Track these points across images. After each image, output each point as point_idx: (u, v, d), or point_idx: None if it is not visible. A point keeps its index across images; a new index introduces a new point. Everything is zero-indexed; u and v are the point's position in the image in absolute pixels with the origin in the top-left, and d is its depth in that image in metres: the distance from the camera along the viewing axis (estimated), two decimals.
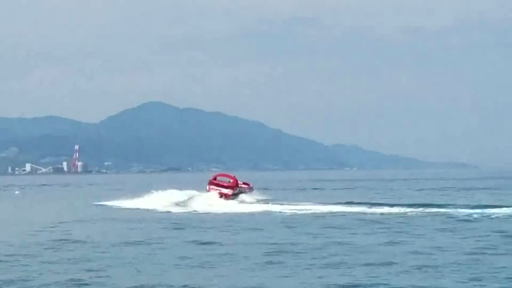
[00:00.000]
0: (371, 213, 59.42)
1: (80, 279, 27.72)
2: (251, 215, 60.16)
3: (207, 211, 64.80)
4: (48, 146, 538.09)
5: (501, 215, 56.00)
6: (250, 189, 78.40)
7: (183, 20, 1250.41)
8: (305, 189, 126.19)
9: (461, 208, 62.80)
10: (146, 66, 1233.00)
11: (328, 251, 35.09)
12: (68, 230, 47.22)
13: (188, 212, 64.43)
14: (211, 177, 78.17)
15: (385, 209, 62.96)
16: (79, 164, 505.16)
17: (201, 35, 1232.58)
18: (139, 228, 48.33)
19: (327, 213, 60.58)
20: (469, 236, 41.12)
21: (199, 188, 79.29)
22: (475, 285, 26.28)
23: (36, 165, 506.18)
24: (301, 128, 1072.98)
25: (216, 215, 61.03)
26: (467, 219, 52.77)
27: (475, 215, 55.91)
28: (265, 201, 74.77)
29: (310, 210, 63.77)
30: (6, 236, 44.43)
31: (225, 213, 61.69)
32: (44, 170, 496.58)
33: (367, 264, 30.57)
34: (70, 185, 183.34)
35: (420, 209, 61.95)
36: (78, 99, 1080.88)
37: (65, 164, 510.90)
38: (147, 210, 66.78)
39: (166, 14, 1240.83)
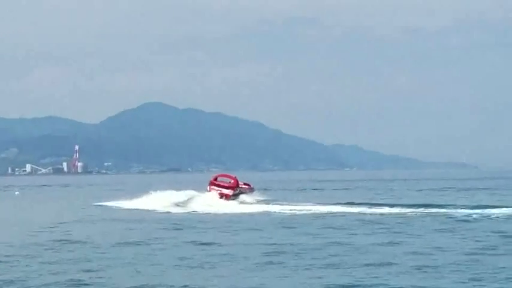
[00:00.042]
0: (370, 214, 59.42)
1: (79, 280, 27.72)
2: (251, 215, 60.15)
3: (206, 212, 64.81)
4: (48, 146, 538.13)
5: (500, 215, 55.94)
6: (251, 189, 78.38)
7: (183, 20, 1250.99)
8: (305, 189, 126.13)
9: (461, 208, 62.81)
10: (146, 66, 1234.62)
11: (327, 252, 35.07)
12: (67, 231, 47.22)
13: (188, 213, 64.41)
14: (212, 178, 78.17)
15: (385, 210, 62.99)
16: (79, 164, 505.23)
17: (201, 35, 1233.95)
18: (138, 229, 48.32)
19: (326, 213, 60.58)
20: (468, 237, 41.13)
21: (199, 188, 79.25)
22: (474, 286, 26.29)
23: (36, 165, 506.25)
24: (301, 128, 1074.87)
25: (215, 215, 61.03)
26: (466, 220, 52.78)
27: (474, 215, 55.94)
28: (265, 202, 74.75)
29: (310, 210, 63.83)
30: (5, 236, 44.44)
31: (225, 214, 61.68)
32: (44, 170, 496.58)
33: (366, 265, 30.55)
34: (70, 186, 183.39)
35: (419, 209, 61.94)
36: (78, 100, 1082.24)
37: (65, 164, 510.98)
38: (147, 210, 66.80)
39: (166, 14, 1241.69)
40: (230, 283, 27.23)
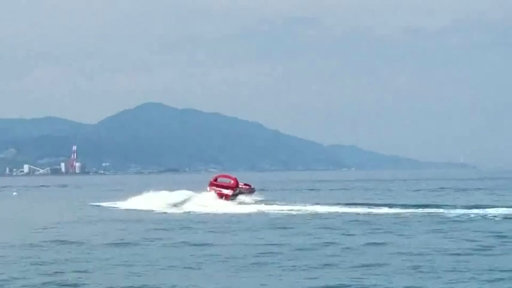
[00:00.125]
0: (368, 214, 59.30)
1: (72, 280, 27.64)
2: (248, 215, 60.10)
3: (202, 212, 64.77)
4: (47, 146, 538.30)
5: (494, 214, 55.84)
6: (251, 190, 78.29)
7: (183, 20, 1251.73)
8: (302, 190, 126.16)
9: (457, 208, 62.73)
10: (146, 66, 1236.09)
11: (321, 252, 34.96)
12: (63, 231, 47.19)
13: (184, 213, 64.36)
14: (211, 179, 78.23)
15: (381, 210, 62.93)
16: (77, 164, 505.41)
17: (200, 35, 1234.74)
18: (134, 229, 48.19)
19: (323, 214, 60.52)
20: (464, 237, 41.03)
21: (197, 188, 79.22)
22: (467, 286, 26.20)
23: (34, 166, 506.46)
24: (299, 129, 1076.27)
25: (211, 215, 60.94)
26: (462, 220, 52.70)
27: (471, 215, 55.88)
28: (263, 202, 74.66)
29: (306, 211, 63.78)
30: (1, 236, 44.32)
31: (221, 214, 61.62)
32: (41, 171, 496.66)
33: (359, 266, 30.44)
34: (67, 186, 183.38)
35: (416, 210, 61.84)
36: (77, 100, 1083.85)
37: (62, 165, 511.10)
38: (143, 211, 66.79)
39: (166, 14, 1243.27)
40: (221, 284, 27.13)
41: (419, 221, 51.71)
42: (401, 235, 42.37)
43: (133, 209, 68.86)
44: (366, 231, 45.23)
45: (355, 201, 75.86)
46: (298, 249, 35.91)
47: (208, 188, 75.27)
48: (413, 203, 72.93)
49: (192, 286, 26.70)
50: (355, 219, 53.92)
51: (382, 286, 26.06)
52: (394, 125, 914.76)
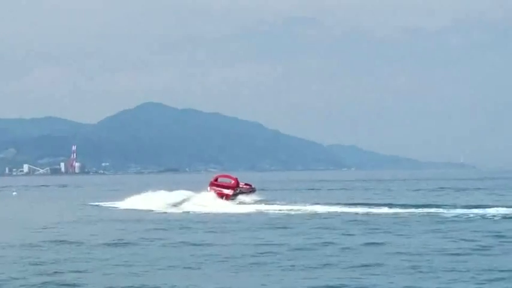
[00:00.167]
0: (367, 214, 59.33)
1: (70, 280, 27.69)
2: (247, 215, 60.17)
3: (202, 212, 64.82)
4: (46, 146, 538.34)
5: (494, 215, 55.85)
6: (252, 190, 78.32)
7: (183, 20, 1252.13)
8: (302, 189, 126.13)
9: (455, 208, 62.70)
10: (146, 66, 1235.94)
11: (318, 252, 34.99)
12: (61, 231, 47.24)
13: (183, 213, 64.42)
14: (212, 179, 78.32)
15: (379, 210, 62.96)
16: (76, 164, 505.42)
17: (201, 35, 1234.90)
18: (133, 229, 48.20)
19: (322, 213, 60.54)
20: (461, 237, 41.01)
21: (196, 188, 79.24)
22: (464, 286, 26.25)
23: (34, 166, 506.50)
24: (299, 129, 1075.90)
25: (211, 215, 60.99)
26: (460, 220, 52.69)
27: (470, 215, 55.88)
28: (262, 202, 74.66)
29: (306, 210, 63.80)
30: (1, 236, 44.37)
31: (221, 214, 61.68)
32: (41, 170, 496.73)
33: (357, 266, 30.47)
34: (67, 186, 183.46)
35: (414, 210, 61.78)
36: (77, 100, 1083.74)
37: (62, 164, 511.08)
38: (143, 211, 66.85)
39: (166, 14, 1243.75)
40: (220, 284, 27.14)
41: (418, 221, 51.72)
42: (400, 235, 42.39)
43: (133, 209, 68.94)
44: (364, 231, 45.23)
45: (355, 201, 75.85)
46: (297, 249, 35.94)
47: (208, 188, 75.38)
48: (413, 202, 72.96)
49: (192, 286, 26.74)
50: (355, 219, 53.94)
51: (380, 286, 26.09)
52: (394, 125, 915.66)
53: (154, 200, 72.94)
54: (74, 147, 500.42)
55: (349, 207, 66.09)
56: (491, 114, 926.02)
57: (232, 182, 76.37)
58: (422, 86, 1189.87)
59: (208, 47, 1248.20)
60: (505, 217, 54.13)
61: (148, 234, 44.28)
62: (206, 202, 71.29)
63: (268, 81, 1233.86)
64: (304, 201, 76.26)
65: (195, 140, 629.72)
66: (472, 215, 55.85)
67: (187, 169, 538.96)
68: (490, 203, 68.48)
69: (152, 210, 66.90)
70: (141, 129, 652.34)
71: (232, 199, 73.62)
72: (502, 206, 62.43)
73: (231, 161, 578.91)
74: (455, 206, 65.26)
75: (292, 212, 62.30)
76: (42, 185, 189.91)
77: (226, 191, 74.26)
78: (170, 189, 79.48)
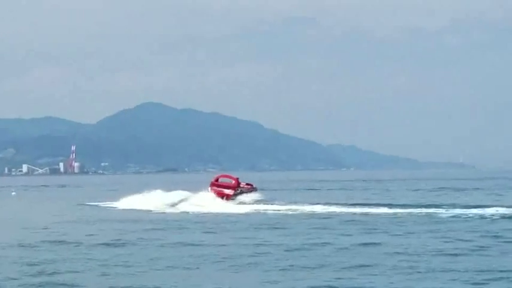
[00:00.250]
0: (365, 214, 59.35)
1: (64, 281, 27.76)
2: (245, 215, 60.25)
3: (201, 212, 64.90)
4: (45, 146, 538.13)
5: (492, 214, 55.90)
6: (254, 189, 78.37)
7: (183, 20, 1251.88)
8: (300, 189, 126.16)
9: (454, 208, 62.69)
10: (146, 66, 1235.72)
11: (314, 252, 35.04)
12: (60, 231, 47.27)
13: (181, 213, 64.49)
14: (213, 179, 78.43)
15: (377, 210, 62.99)
16: (75, 164, 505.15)
17: (201, 35, 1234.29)
18: (131, 229, 48.25)
19: (320, 213, 60.59)
20: (458, 237, 41.03)
21: (195, 188, 79.27)
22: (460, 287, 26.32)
23: (33, 166, 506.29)
24: (299, 129, 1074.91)
25: (209, 215, 61.04)
26: (457, 220, 52.71)
27: (469, 215, 55.91)
28: (261, 202, 74.70)
29: (304, 210, 63.87)
30: None
31: (219, 214, 61.78)
32: (40, 170, 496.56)
33: (353, 266, 30.51)
34: (66, 186, 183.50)
35: (412, 210, 61.75)
36: (76, 100, 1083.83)
37: (61, 164, 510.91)
38: (141, 211, 66.94)
39: (166, 14, 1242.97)
40: (215, 284, 27.16)
41: (416, 221, 51.75)
42: (397, 235, 42.43)
43: (131, 209, 69.03)
44: (362, 231, 45.26)
45: (353, 202, 75.85)
46: (294, 250, 35.98)
47: (209, 188, 75.60)
48: (411, 202, 73.03)
49: (189, 286, 26.88)
50: (353, 219, 53.94)
51: (376, 286, 26.14)
52: (394, 125, 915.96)
53: (152, 200, 73.09)
54: (73, 147, 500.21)
55: (348, 207, 66.10)
56: (491, 114, 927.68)
57: (233, 182, 76.55)
58: (422, 86, 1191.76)
59: (208, 47, 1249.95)
60: (503, 217, 54.15)
61: (146, 235, 44.31)
62: (204, 202, 71.43)
63: (268, 81, 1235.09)
64: (303, 201, 76.32)
65: (194, 140, 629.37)
66: (470, 215, 55.85)
67: (186, 169, 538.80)
68: (489, 203, 68.42)
69: (151, 211, 67.01)
70: (140, 129, 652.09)
71: (233, 199, 73.78)
72: (501, 206, 62.44)
73: (230, 161, 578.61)
74: (453, 206, 65.25)
75: (290, 212, 62.39)
76: (41, 185, 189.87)
77: (227, 191, 74.49)
78: (168, 190, 79.56)
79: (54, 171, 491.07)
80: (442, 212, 59.69)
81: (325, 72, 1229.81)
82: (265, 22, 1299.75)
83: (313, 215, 58.91)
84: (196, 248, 37.50)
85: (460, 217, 54.87)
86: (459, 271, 28.86)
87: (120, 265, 31.49)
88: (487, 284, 26.42)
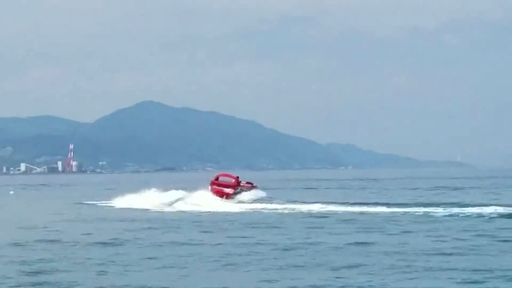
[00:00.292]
0: (361, 213, 59.40)
1: (59, 279, 27.82)
2: (242, 214, 60.30)
3: (198, 211, 64.95)
4: (44, 145, 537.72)
5: (488, 213, 55.98)
6: (254, 188, 78.39)
7: (183, 20, 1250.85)
8: (298, 188, 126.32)
9: (450, 207, 62.66)
10: (146, 66, 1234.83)
11: (308, 251, 35.14)
12: (58, 230, 47.35)
13: (178, 212, 64.51)
14: (213, 178, 78.59)
15: (372, 209, 63.05)
16: (74, 163, 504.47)
17: (200, 34, 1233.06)
18: (126, 228, 48.29)
19: (316, 212, 60.64)
20: (452, 236, 41.11)
21: (194, 187, 79.36)
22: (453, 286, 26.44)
23: (31, 164, 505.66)
24: (297, 128, 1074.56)
25: (205, 215, 61.12)
26: (451, 219, 52.72)
27: (463, 214, 55.99)
28: (258, 201, 74.79)
29: (300, 209, 63.94)
30: None
31: (216, 213, 61.92)
32: (38, 169, 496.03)
33: (347, 266, 30.58)
34: (64, 185, 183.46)
35: (407, 209, 61.70)
36: (74, 99, 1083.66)
37: (59, 163, 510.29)
38: (138, 209, 67.01)
39: (166, 14, 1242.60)
40: (210, 284, 27.24)
41: (412, 220, 51.86)
42: (393, 234, 42.48)
43: (128, 208, 69.14)
44: (357, 230, 45.31)
45: (350, 201, 75.82)
46: (289, 249, 36.03)
47: (209, 187, 75.82)
48: (408, 201, 73.12)
49: (185, 285, 27.00)
50: (349, 219, 53.88)
51: (367, 285, 26.22)
52: (394, 125, 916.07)
53: (149, 199, 73.28)
54: (71, 146, 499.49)
55: (344, 206, 66.14)
56: (490, 114, 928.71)
57: (233, 181, 76.79)
58: (422, 86, 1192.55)
59: (208, 47, 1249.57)
60: (500, 216, 54.12)
61: (143, 234, 44.37)
62: (201, 201, 71.60)
63: (267, 80, 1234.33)
64: (300, 200, 76.44)
65: (192, 138, 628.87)
66: (468, 214, 55.92)
67: (184, 168, 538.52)
68: (485, 202, 68.44)
69: (148, 210, 67.08)
70: (138, 128, 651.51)
71: (233, 198, 74.02)
72: (497, 205, 62.47)
73: (228, 159, 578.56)
74: (448, 205, 65.28)
75: (287, 211, 62.49)
76: (39, 184, 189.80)
77: (227, 190, 74.79)
78: (166, 188, 79.70)
79: (52, 170, 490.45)
80: (437, 211, 59.69)
81: (325, 72, 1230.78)
82: (265, 22, 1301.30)
83: (309, 214, 58.94)
84: (192, 247, 37.56)
85: (455, 216, 54.94)
86: (455, 270, 28.91)
87: (116, 264, 31.53)
88: (483, 282, 26.50)
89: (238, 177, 77.76)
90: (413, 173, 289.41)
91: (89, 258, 33.19)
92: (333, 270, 29.50)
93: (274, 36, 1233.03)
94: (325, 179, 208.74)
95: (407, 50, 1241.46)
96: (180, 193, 76.42)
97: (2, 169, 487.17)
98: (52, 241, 40.58)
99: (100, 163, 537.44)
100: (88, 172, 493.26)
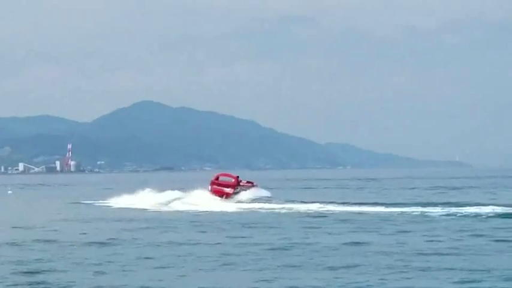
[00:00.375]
0: (357, 213, 59.40)
1: (56, 280, 27.79)
2: (239, 214, 60.31)
3: (196, 210, 64.94)
4: (42, 145, 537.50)
5: (484, 213, 55.99)
6: (254, 187, 78.31)
7: (183, 20, 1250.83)
8: (296, 188, 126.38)
9: (447, 207, 62.71)
10: (146, 66, 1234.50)
11: (304, 251, 35.15)
12: (53, 229, 47.39)
13: (175, 212, 64.49)
14: (213, 177, 78.63)
15: (369, 208, 63.08)
16: (72, 163, 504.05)
17: (200, 34, 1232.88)
18: (123, 228, 48.31)
19: (313, 212, 60.64)
20: (446, 236, 41.14)
21: (191, 187, 79.38)
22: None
23: (29, 164, 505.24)
24: (297, 128, 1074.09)
25: (202, 214, 61.09)
26: (446, 219, 52.75)
27: (458, 214, 55.93)
28: (255, 201, 74.81)
29: (298, 209, 63.95)
30: None
31: (214, 213, 61.93)
32: (36, 169, 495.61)
33: (342, 265, 30.62)
34: (62, 184, 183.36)
35: (402, 209, 61.65)
36: (74, 99, 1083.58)
37: (57, 163, 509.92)
38: (136, 209, 67.03)
39: (166, 13, 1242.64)
40: (207, 283, 27.25)
41: (408, 220, 51.85)
42: (390, 234, 42.51)
43: (126, 208, 69.15)
44: (354, 229, 45.36)
45: (347, 200, 75.80)
46: (286, 249, 36.08)
47: (209, 187, 75.90)
48: (404, 201, 73.13)
49: (182, 285, 27.04)
50: (346, 218, 53.89)
51: (367, 285, 26.25)
52: (393, 124, 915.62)
53: (146, 199, 73.37)
54: (69, 146, 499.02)
55: (342, 206, 66.15)
56: (490, 114, 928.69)
57: (233, 180, 76.87)
58: (422, 86, 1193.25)
59: (208, 47, 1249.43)
60: (498, 216, 54.11)
61: (140, 233, 44.37)
62: (199, 201, 71.67)
63: (267, 80, 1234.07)
64: (298, 200, 76.47)
65: (191, 138, 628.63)
66: (465, 213, 55.92)
67: (182, 167, 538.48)
68: (483, 202, 68.38)
69: (145, 209, 67.07)
70: (136, 127, 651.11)
71: (233, 198, 74.10)
72: (495, 205, 62.43)
73: (227, 159, 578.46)
74: (446, 205, 65.24)
75: (284, 211, 62.50)
76: (37, 184, 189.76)
77: (227, 190, 74.90)
78: (165, 188, 79.87)
79: (51, 170, 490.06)
80: (436, 210, 59.68)
81: (324, 72, 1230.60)
82: (265, 21, 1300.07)
83: (307, 214, 58.93)
84: (190, 247, 37.56)
85: (455, 215, 54.94)
86: (452, 270, 28.92)
87: (113, 264, 31.52)
88: (480, 282, 26.51)
89: (238, 176, 77.86)
90: (412, 173, 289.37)
91: (86, 258, 33.16)
92: (330, 270, 29.51)
93: (274, 36, 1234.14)
94: (323, 178, 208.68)
95: (407, 50, 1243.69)
96: (175, 194, 76.54)
97: (0, 169, 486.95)
98: (49, 241, 40.56)
99: (98, 163, 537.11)
100: (86, 172, 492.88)
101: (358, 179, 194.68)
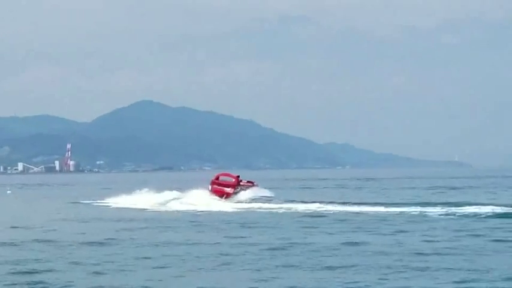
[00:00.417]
0: (355, 213, 59.38)
1: (54, 280, 27.73)
2: (237, 214, 60.30)
3: (192, 210, 64.95)
4: (41, 145, 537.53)
5: (482, 213, 55.95)
6: (255, 187, 78.28)
7: (183, 20, 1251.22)
8: (295, 188, 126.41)
9: (440, 207, 62.61)
10: (145, 66, 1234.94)
11: (302, 251, 35.10)
12: (52, 229, 47.35)
13: (174, 212, 64.48)
14: (213, 177, 78.69)
15: (367, 208, 63.04)
16: (71, 163, 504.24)
17: (200, 34, 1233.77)
18: (120, 228, 48.24)
19: (311, 212, 60.63)
20: (442, 235, 41.13)
21: (190, 187, 79.42)
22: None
23: (29, 164, 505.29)
24: (296, 128, 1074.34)
25: (201, 214, 61.08)
26: (443, 218, 52.78)
27: (457, 214, 55.89)
28: (254, 200, 74.82)
29: (297, 209, 63.96)
30: None
31: (213, 212, 61.93)
32: (35, 169, 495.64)
33: (345, 266, 30.60)
34: (61, 184, 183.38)
35: (399, 209, 61.63)
36: (74, 99, 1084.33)
37: (57, 163, 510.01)
38: (134, 209, 67.03)
39: (166, 13, 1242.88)
40: (199, 282, 27.22)
41: (407, 220, 51.84)
42: (387, 234, 42.48)
43: (125, 208, 69.15)
44: (352, 229, 45.35)
45: (346, 200, 75.83)
46: (284, 248, 36.06)
47: (210, 187, 75.94)
48: (404, 201, 73.12)
49: (180, 284, 26.98)
50: (344, 218, 53.89)
51: (366, 286, 26.22)
52: (393, 124, 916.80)
53: (145, 199, 73.40)
54: (68, 146, 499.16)
55: (341, 206, 66.12)
56: (489, 114, 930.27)
57: (233, 180, 76.92)
58: (422, 86, 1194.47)
59: (208, 46, 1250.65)
60: (497, 216, 54.07)
61: (139, 233, 44.35)
62: (197, 200, 71.68)
63: (267, 80, 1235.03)
64: (297, 200, 76.47)
65: (190, 138, 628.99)
66: (465, 213, 55.89)
67: (182, 167, 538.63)
68: (482, 201, 68.35)
69: (144, 209, 67.06)
70: (136, 127, 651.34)
71: (233, 197, 74.16)
72: (494, 205, 62.39)
73: (226, 159, 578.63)
74: (445, 204, 65.21)
75: (282, 211, 62.48)
76: (37, 184, 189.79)
77: (227, 189, 74.99)
78: (165, 188, 79.81)
79: (50, 170, 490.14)
80: (435, 210, 59.65)
81: (324, 72, 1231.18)
82: (265, 21, 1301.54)
83: (305, 214, 58.91)
84: (188, 246, 37.54)
85: (454, 215, 54.93)
86: (451, 269, 28.90)
87: (112, 264, 31.48)
88: (479, 282, 26.50)
89: (238, 176, 77.93)
90: (412, 173, 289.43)
91: (85, 258, 33.12)
92: (329, 270, 29.50)
93: (274, 36, 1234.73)
94: (322, 178, 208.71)
95: (407, 50, 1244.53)
96: (174, 194, 76.59)
97: None
98: (48, 241, 40.52)
99: (98, 162, 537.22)
100: (85, 172, 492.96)
101: (358, 179, 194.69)
